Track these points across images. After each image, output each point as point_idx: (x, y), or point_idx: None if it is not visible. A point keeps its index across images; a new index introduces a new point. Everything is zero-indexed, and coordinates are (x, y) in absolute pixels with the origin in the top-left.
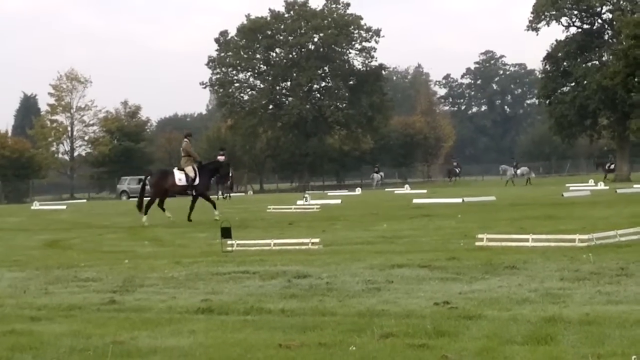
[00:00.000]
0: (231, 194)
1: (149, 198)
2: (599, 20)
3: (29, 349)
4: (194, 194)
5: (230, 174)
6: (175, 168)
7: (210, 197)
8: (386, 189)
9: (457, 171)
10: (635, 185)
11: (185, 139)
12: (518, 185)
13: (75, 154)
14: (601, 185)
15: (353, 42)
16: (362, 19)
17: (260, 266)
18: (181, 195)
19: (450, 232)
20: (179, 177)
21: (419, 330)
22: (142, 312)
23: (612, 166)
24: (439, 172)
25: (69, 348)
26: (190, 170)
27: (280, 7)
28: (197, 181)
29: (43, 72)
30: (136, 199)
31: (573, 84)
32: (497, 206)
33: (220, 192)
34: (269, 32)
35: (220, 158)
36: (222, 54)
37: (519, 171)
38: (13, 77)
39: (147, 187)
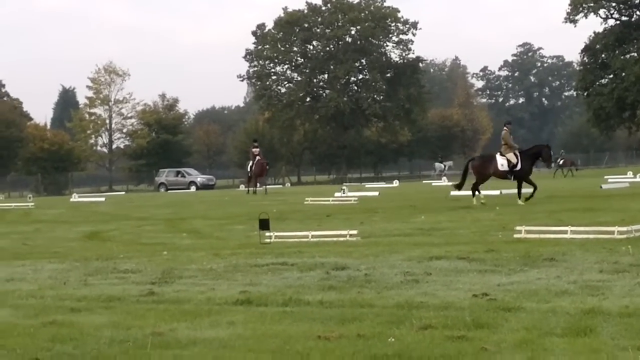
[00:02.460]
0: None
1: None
2: (638, 12)
3: (69, 340)
4: (514, 179)
5: None
6: (498, 153)
7: (249, 188)
8: (424, 181)
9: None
10: None
11: (505, 128)
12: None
13: (114, 146)
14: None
15: (390, 35)
16: (399, 11)
17: (299, 258)
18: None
19: (488, 224)
20: (501, 163)
21: (457, 322)
22: (181, 303)
23: (561, 161)
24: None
25: (108, 339)
26: (512, 156)
27: (317, 0)
28: (518, 166)
29: (81, 65)
30: (175, 190)
31: (611, 76)
32: (535, 198)
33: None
34: (306, 25)
35: (255, 150)
36: (260, 47)
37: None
38: (52, 70)
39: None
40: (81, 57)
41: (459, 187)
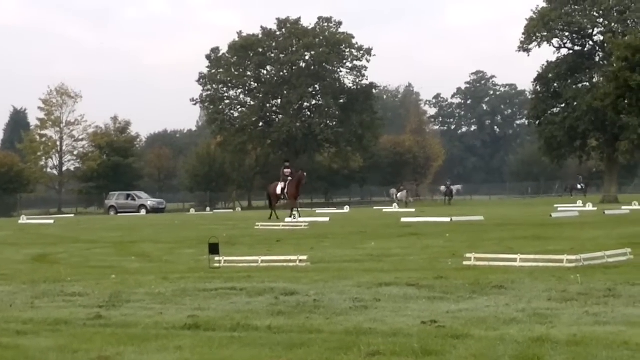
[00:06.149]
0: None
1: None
2: (590, 42)
3: None
4: None
5: None
6: None
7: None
8: (374, 207)
9: (581, 187)
10: (623, 207)
11: None
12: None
13: (64, 168)
14: (589, 206)
15: (344, 61)
16: (353, 37)
17: (248, 283)
18: None
19: (438, 251)
20: None
21: (406, 349)
22: (129, 327)
23: (444, 189)
24: (428, 191)
25: None
26: None
27: (272, 24)
28: None
29: (33, 86)
30: (125, 213)
31: (563, 105)
32: (485, 226)
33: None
34: (261, 50)
35: (287, 171)
36: (213, 71)
37: (399, 195)
38: (3, 91)
39: None
40: (33, 77)
41: None
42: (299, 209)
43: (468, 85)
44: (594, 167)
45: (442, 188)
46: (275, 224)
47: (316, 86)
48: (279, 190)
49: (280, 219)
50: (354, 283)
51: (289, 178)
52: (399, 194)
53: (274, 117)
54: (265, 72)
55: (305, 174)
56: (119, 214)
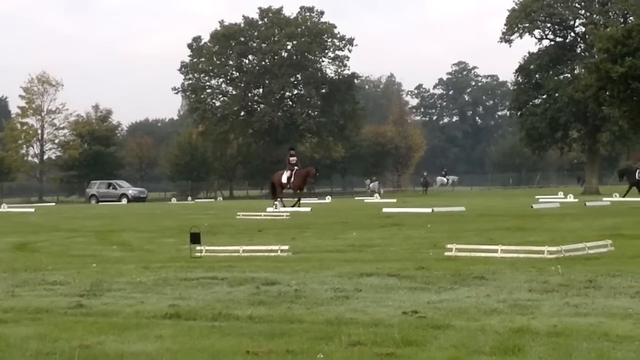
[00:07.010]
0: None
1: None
2: (572, 34)
3: None
4: None
5: None
6: None
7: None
8: (356, 198)
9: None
10: (604, 198)
11: None
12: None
13: (45, 157)
14: (570, 198)
15: (326, 51)
16: (335, 27)
17: (229, 272)
18: None
19: (419, 242)
20: None
21: (386, 339)
22: (109, 316)
23: (422, 180)
24: (409, 181)
25: (35, 351)
26: None
27: (254, 14)
28: None
29: (14, 74)
30: (106, 202)
31: (545, 96)
32: (466, 217)
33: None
34: (242, 39)
35: (292, 159)
36: (195, 60)
37: (371, 185)
38: None
39: None
40: (14, 65)
41: None
42: (283, 200)
43: (450, 76)
44: (575, 158)
45: (440, 178)
46: (257, 213)
47: (298, 76)
48: (284, 179)
49: (285, 205)
50: (335, 273)
51: (295, 167)
52: (371, 185)
53: (255, 106)
54: (247, 61)
55: (317, 172)
56: (100, 203)
